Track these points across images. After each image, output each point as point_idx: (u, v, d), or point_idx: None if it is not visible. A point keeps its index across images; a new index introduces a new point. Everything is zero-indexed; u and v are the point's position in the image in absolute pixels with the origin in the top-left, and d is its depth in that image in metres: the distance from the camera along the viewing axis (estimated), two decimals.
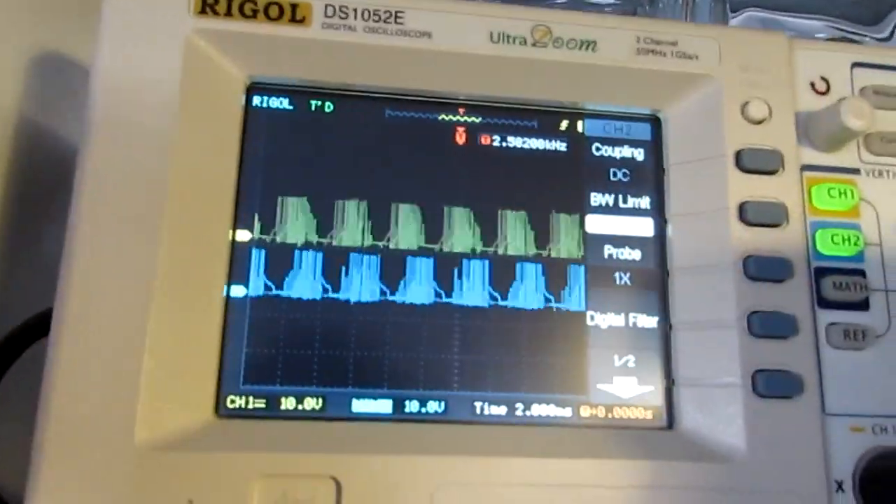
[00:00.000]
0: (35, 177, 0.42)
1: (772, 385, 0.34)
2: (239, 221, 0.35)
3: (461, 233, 0.37)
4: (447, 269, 0.36)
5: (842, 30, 0.62)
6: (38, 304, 0.37)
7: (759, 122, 0.37)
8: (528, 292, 0.36)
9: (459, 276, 0.36)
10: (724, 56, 0.38)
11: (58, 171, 0.43)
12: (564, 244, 0.37)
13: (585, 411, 0.36)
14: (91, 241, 0.32)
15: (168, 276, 0.32)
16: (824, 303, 0.35)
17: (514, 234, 0.37)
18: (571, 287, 0.37)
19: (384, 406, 0.34)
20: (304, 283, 0.35)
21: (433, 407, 0.35)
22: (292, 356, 0.34)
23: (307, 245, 0.35)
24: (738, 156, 0.36)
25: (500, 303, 0.36)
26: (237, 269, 0.35)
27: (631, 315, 0.37)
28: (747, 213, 0.36)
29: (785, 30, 0.62)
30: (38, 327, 0.37)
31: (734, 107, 0.37)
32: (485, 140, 0.38)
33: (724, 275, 0.35)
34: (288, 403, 0.34)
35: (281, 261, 0.35)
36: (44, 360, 0.31)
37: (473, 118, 0.38)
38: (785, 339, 0.35)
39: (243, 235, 0.35)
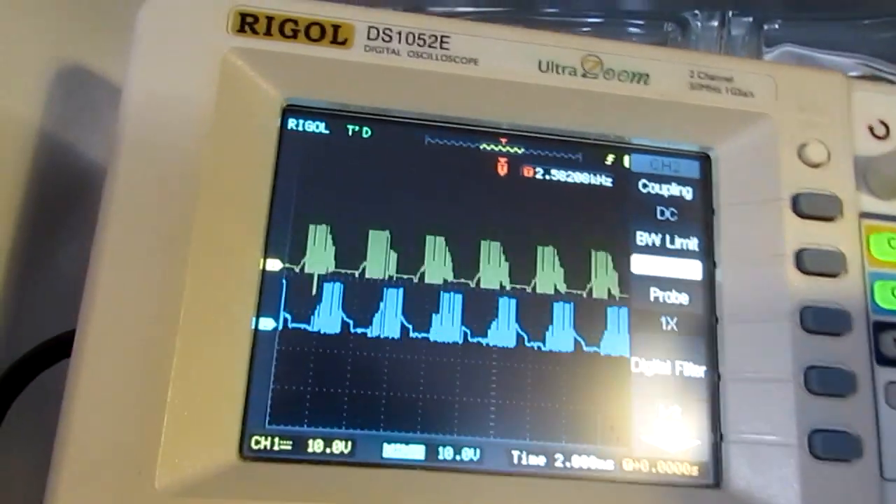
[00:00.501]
0: (53, 192, 0.40)
1: (830, 446, 0.32)
2: (270, 249, 0.33)
3: (494, 268, 0.35)
4: (478, 306, 0.34)
5: (875, 68, 0.61)
6: (54, 324, 0.35)
7: (817, 166, 0.35)
8: (562, 333, 0.34)
9: (491, 315, 0.34)
10: (780, 94, 0.36)
11: (77, 187, 0.41)
12: (606, 284, 0.35)
13: (628, 464, 0.34)
14: (116, 266, 0.30)
15: (195, 305, 0.30)
16: (883, 359, 0.33)
17: (552, 272, 0.35)
18: (614, 330, 0.35)
19: (417, 452, 0.32)
20: (328, 317, 0.33)
21: (468, 454, 0.33)
22: (321, 394, 0.32)
23: (331, 276, 0.34)
24: (796, 200, 0.35)
25: (534, 344, 0.34)
26: (267, 300, 0.33)
27: (677, 363, 0.35)
28: (804, 261, 0.34)
29: (819, 66, 0.61)
30: (54, 351, 0.35)
31: (791, 148, 0.35)
32: (527, 172, 0.37)
33: (779, 325, 0.33)
34: (316, 446, 0.32)
35: (305, 292, 0.33)
36: (54, 390, 0.29)
37: (516, 148, 0.37)
38: (843, 397, 0.33)
39: (274, 265, 0.33)
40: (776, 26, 0.60)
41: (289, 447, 0.32)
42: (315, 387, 0.32)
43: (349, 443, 0.32)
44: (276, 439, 0.32)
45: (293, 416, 0.32)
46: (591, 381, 0.34)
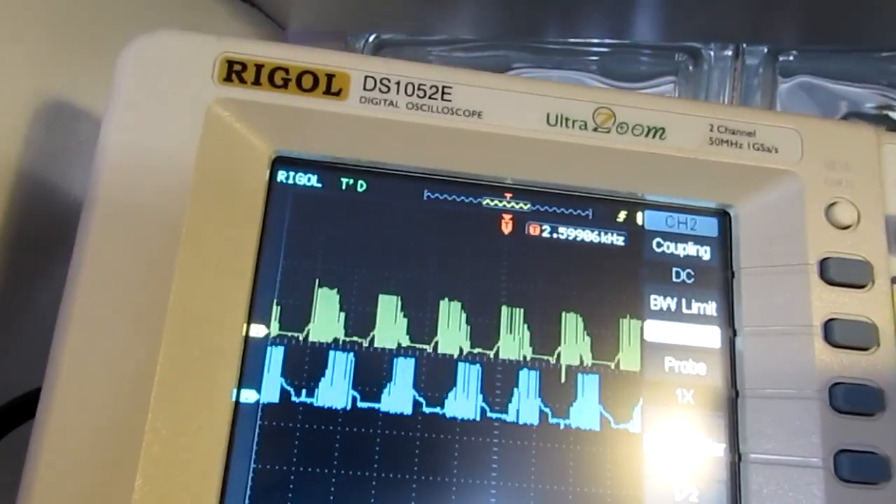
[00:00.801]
0: (34, 233, 0.38)
1: None
2: (255, 314, 0.31)
3: (509, 337, 0.32)
4: (493, 378, 0.32)
5: (891, 98, 0.59)
6: (34, 374, 0.32)
7: (846, 228, 0.33)
8: (583, 408, 0.32)
9: (509, 388, 0.32)
10: (806, 150, 0.34)
11: (60, 227, 0.39)
12: (623, 353, 0.33)
13: None
14: (84, 329, 0.27)
15: (170, 376, 0.28)
16: None
17: (568, 341, 0.33)
18: (628, 404, 0.32)
19: None
20: (332, 389, 0.31)
21: None
22: (306, 475, 0.30)
23: (336, 344, 0.31)
24: (823, 265, 0.32)
25: (552, 420, 0.31)
26: (249, 371, 0.30)
27: (695, 440, 0.32)
28: (834, 333, 0.31)
29: (835, 98, 0.59)
30: (23, 410, 0.32)
31: (818, 208, 0.33)
32: (533, 230, 0.34)
33: (807, 403, 0.31)
34: None
35: (304, 362, 0.31)
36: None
37: (522, 204, 0.34)
38: (875, 484, 0.30)
39: (258, 331, 0.31)
40: (791, 57, 0.59)
41: None
42: (300, 466, 0.30)
43: None
44: None
45: (275, 500, 0.29)
46: (602, 460, 0.31)
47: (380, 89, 0.32)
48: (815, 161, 0.34)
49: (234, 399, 0.30)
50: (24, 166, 0.37)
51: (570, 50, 0.60)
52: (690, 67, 0.60)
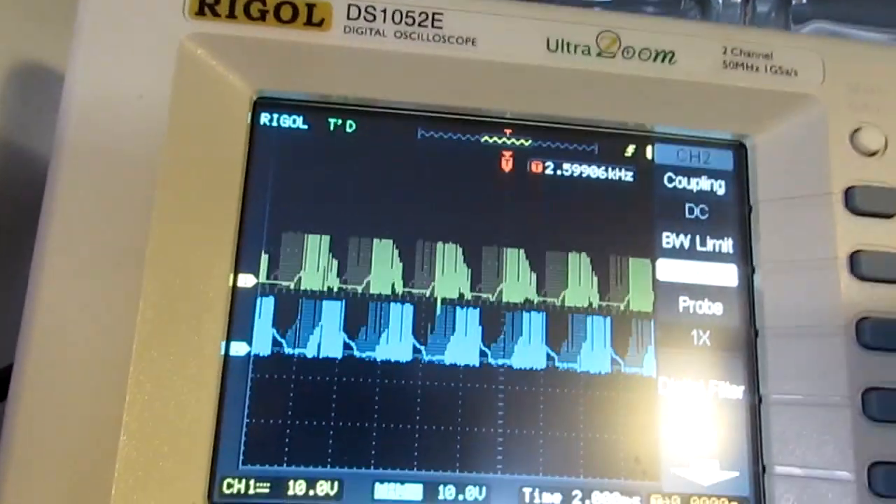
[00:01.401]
0: (9, 200, 0.36)
1: (894, 482, 0.27)
2: (241, 263, 0.29)
3: (512, 279, 0.30)
4: (495, 323, 0.30)
5: None
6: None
7: (873, 154, 0.30)
8: (591, 352, 0.30)
9: (511, 332, 0.30)
10: (828, 72, 0.31)
11: (36, 195, 0.37)
12: (633, 294, 0.31)
13: (657, 502, 0.29)
14: (58, 289, 0.26)
15: (152, 331, 0.26)
16: None
17: (573, 282, 0.31)
18: (640, 347, 0.31)
19: (413, 492, 0.28)
20: (323, 339, 0.29)
21: (472, 493, 0.29)
22: (303, 428, 0.28)
23: (327, 293, 0.29)
24: (849, 194, 0.30)
25: (559, 365, 0.30)
26: (238, 322, 0.29)
27: (711, 383, 0.30)
28: (860, 265, 0.29)
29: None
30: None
31: (842, 134, 0.31)
32: (535, 167, 0.32)
33: (832, 341, 0.29)
34: (297, 488, 0.28)
35: (294, 311, 0.29)
36: None
37: (522, 140, 0.32)
38: None
39: (246, 280, 0.29)
40: (804, 1, 0.55)
41: (266, 490, 0.28)
42: (296, 420, 0.28)
43: (336, 483, 0.28)
44: (252, 482, 0.28)
45: (271, 455, 0.28)
46: (614, 406, 0.30)
47: (365, 18, 0.29)
48: (838, 84, 0.31)
49: (222, 352, 0.28)
50: None
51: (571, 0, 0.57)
52: (698, 16, 0.57)
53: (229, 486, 0.27)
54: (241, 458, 0.28)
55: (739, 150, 0.33)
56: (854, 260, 0.29)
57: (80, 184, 0.26)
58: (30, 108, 0.37)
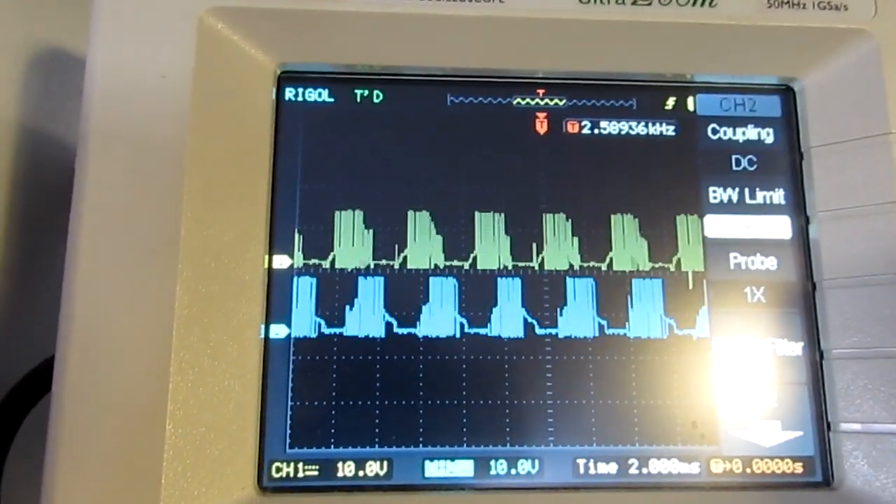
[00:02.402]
0: (39, 189, 0.36)
1: None
2: (276, 244, 0.29)
3: (554, 246, 0.29)
4: (539, 292, 0.29)
5: None
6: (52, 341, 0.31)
7: None
8: (642, 316, 0.29)
9: (556, 300, 0.29)
10: (880, 4, 0.29)
11: (66, 182, 0.37)
12: (682, 253, 0.30)
13: (717, 466, 0.28)
14: (94, 278, 0.25)
15: (190, 317, 0.26)
16: None
17: (620, 245, 0.30)
18: (692, 307, 0.29)
19: (464, 468, 0.28)
20: (363, 317, 0.28)
21: (525, 467, 0.28)
22: (349, 409, 0.28)
23: (364, 270, 0.29)
24: None
25: (608, 331, 0.29)
26: (277, 304, 0.28)
27: (768, 341, 0.29)
28: None
29: None
30: (38, 384, 0.31)
31: None
32: (571, 127, 0.31)
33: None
34: (346, 469, 0.27)
35: (334, 291, 0.28)
36: None
37: (556, 100, 0.31)
38: None
39: (282, 262, 0.29)
40: None
41: (315, 473, 0.27)
42: (341, 400, 0.28)
43: (385, 463, 0.27)
44: (300, 465, 0.27)
45: (318, 437, 0.27)
46: (668, 370, 0.29)
47: None
48: (892, 16, 0.29)
49: (262, 335, 0.28)
50: (23, 121, 0.35)
51: None
52: None
53: (278, 469, 0.27)
54: (288, 441, 0.27)
55: (787, 94, 0.31)
56: None
57: (108, 170, 0.26)
58: (56, 96, 0.37)
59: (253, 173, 0.28)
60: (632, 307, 0.29)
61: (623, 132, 0.31)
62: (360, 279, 0.29)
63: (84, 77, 0.27)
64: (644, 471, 0.28)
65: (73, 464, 0.24)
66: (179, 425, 0.25)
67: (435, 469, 0.27)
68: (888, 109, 0.28)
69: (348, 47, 0.29)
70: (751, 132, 0.31)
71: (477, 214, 0.29)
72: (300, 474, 0.27)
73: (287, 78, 0.30)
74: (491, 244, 0.29)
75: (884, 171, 0.28)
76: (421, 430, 0.28)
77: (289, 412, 0.27)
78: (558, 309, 0.29)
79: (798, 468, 0.28)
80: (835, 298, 0.29)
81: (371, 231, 0.29)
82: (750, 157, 0.31)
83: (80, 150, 0.26)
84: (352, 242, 0.29)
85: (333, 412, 0.28)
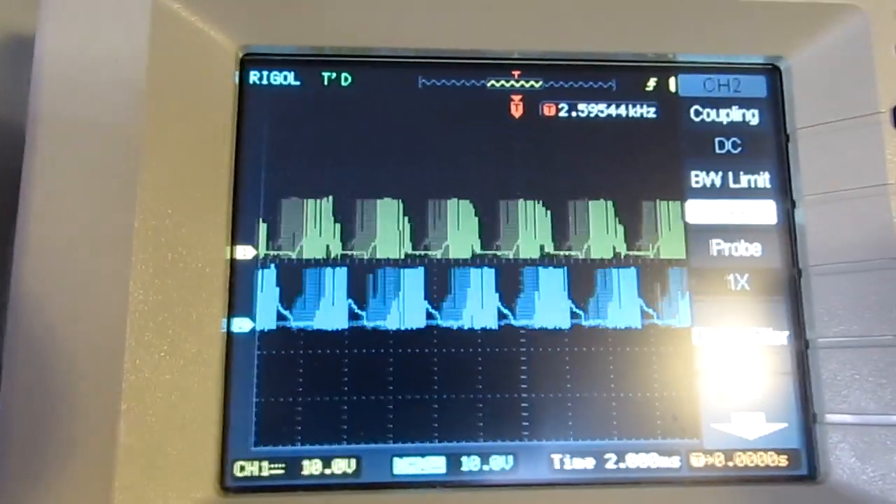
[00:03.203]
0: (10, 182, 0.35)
1: None
2: (238, 234, 0.28)
3: (529, 234, 0.28)
4: (513, 281, 0.28)
5: None
6: None
7: None
8: (618, 306, 0.28)
9: (531, 290, 0.28)
10: None
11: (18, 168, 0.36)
12: (662, 241, 0.29)
13: (698, 460, 0.27)
14: (42, 271, 0.24)
15: (145, 312, 0.25)
16: None
17: (597, 232, 0.28)
18: (672, 296, 0.28)
19: (436, 465, 0.27)
20: (331, 310, 0.27)
21: (498, 463, 0.27)
22: (316, 405, 0.27)
23: (332, 261, 0.28)
24: None
25: (584, 322, 0.28)
26: (239, 297, 0.27)
27: (752, 330, 0.28)
28: None
29: None
30: None
31: (887, 46, 0.27)
32: (548, 110, 0.30)
33: (885, 275, 0.26)
34: (313, 468, 0.26)
35: (298, 283, 0.27)
36: None
37: (532, 82, 0.30)
38: None
39: (245, 252, 0.27)
40: None
41: (281, 471, 0.26)
42: (308, 396, 0.27)
43: (353, 461, 0.26)
44: (265, 464, 0.26)
45: (284, 435, 0.26)
46: (647, 361, 0.28)
47: None
48: None
49: (225, 329, 0.27)
50: None
51: None
52: None
53: (242, 469, 0.26)
54: (254, 439, 0.26)
55: (773, 73, 0.30)
56: None
57: (58, 157, 0.25)
58: (6, 79, 0.36)
59: (214, 160, 0.27)
60: (609, 296, 0.28)
61: (602, 115, 0.30)
62: (328, 270, 0.28)
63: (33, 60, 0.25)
64: (622, 465, 0.27)
65: (20, 467, 0.23)
66: (133, 426, 0.24)
67: (405, 466, 0.27)
68: (877, 88, 0.27)
69: (315, 27, 0.28)
70: (735, 113, 0.30)
71: (449, 202, 0.28)
72: (265, 473, 0.26)
73: (250, 60, 0.29)
74: (463, 232, 0.28)
75: (873, 153, 0.27)
76: (390, 425, 0.27)
77: (254, 409, 0.26)
78: (533, 299, 0.28)
79: (782, 461, 0.27)
80: (821, 285, 0.27)
81: (339, 220, 0.28)
82: (734, 139, 0.30)
83: (29, 136, 0.25)
84: (319, 232, 0.28)
85: (300, 408, 0.27)
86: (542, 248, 0.28)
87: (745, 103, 0.30)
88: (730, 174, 0.29)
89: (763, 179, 0.29)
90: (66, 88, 0.25)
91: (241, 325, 0.27)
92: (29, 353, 0.23)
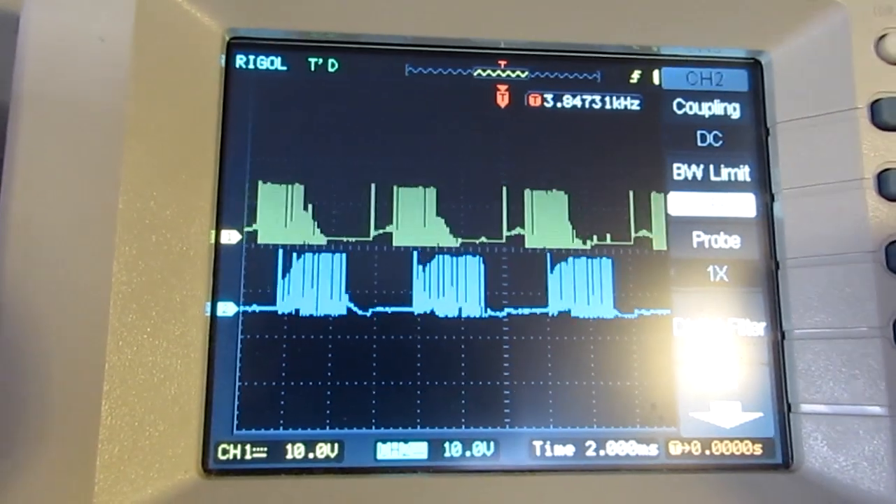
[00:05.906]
0: None
1: None
2: (224, 218, 0.27)
3: (515, 223, 0.28)
4: (498, 270, 0.28)
5: None
6: None
7: None
8: (600, 296, 0.28)
9: (514, 278, 0.28)
10: None
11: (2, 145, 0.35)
12: (644, 231, 0.29)
13: (676, 448, 0.28)
14: (25, 251, 0.24)
15: (128, 294, 0.25)
16: None
17: (580, 221, 0.29)
18: (652, 286, 0.29)
19: (418, 450, 0.27)
20: (315, 295, 0.27)
21: (480, 449, 0.27)
22: (299, 389, 0.27)
23: (317, 246, 0.28)
24: (875, 108, 0.27)
25: (566, 310, 0.28)
26: (224, 281, 0.27)
27: (730, 321, 0.29)
28: (889, 185, 0.27)
29: None
30: None
31: (867, 43, 0.28)
32: (534, 100, 0.30)
33: (859, 268, 0.27)
34: (296, 451, 0.26)
35: (282, 267, 0.27)
36: None
37: (518, 72, 0.30)
38: None
39: (230, 236, 0.27)
40: None
41: (263, 455, 0.26)
42: (291, 380, 0.27)
43: (336, 445, 0.27)
44: (248, 447, 0.26)
45: (267, 418, 0.26)
46: (626, 350, 0.28)
47: None
48: None
49: (208, 313, 0.27)
50: None
51: None
52: None
53: (224, 451, 0.26)
54: (236, 422, 0.26)
55: (755, 68, 0.30)
56: (882, 180, 0.27)
57: (42, 137, 0.25)
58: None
59: (199, 143, 0.27)
60: (591, 286, 0.28)
61: (586, 106, 0.30)
62: (313, 255, 0.28)
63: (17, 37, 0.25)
64: (601, 453, 0.27)
65: (1, 446, 0.22)
66: (115, 406, 0.24)
67: (388, 451, 0.27)
68: (855, 83, 0.28)
69: (302, 12, 0.28)
70: (717, 107, 0.30)
71: (435, 189, 0.28)
72: (248, 456, 0.26)
73: (237, 44, 0.29)
74: (450, 220, 0.28)
75: (849, 148, 0.27)
76: (373, 410, 0.27)
77: (237, 392, 0.26)
78: (517, 288, 0.28)
79: (757, 450, 0.28)
80: (797, 278, 0.28)
81: (325, 206, 0.28)
82: (715, 132, 0.30)
83: (13, 115, 0.25)
84: (304, 217, 0.28)
85: (283, 392, 0.27)
86: (524, 237, 0.28)
87: (727, 97, 0.30)
88: (711, 167, 0.30)
89: (743, 173, 0.30)
90: (51, 67, 0.25)
91: (225, 308, 0.27)
92: (11, 332, 0.23)
